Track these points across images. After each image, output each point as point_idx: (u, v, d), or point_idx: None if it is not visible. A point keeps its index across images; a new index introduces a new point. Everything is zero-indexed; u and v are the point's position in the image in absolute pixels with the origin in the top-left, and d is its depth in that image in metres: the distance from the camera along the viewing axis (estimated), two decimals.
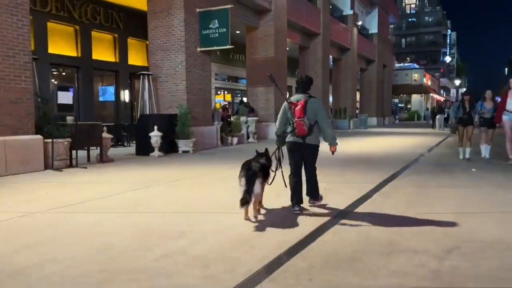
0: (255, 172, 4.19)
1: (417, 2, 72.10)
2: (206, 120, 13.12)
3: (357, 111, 32.19)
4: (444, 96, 65.63)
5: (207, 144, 12.80)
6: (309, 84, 4.84)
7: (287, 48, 18.52)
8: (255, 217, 4.31)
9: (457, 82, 63.62)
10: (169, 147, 11.24)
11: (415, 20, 71.41)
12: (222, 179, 6.99)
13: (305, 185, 4.85)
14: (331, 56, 25.79)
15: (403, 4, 69.20)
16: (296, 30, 20.44)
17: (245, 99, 19.53)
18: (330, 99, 27.05)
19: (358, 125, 27.50)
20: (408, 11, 71.40)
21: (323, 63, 22.52)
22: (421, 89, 47.08)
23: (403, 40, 73.37)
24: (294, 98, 4.73)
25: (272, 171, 4.60)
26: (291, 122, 4.64)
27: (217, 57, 20.38)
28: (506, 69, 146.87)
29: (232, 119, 15.93)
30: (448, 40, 73.42)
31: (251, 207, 4.26)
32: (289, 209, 4.69)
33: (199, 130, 12.21)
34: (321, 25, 22.18)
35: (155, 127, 10.53)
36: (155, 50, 12.42)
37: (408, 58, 58.41)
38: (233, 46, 12.72)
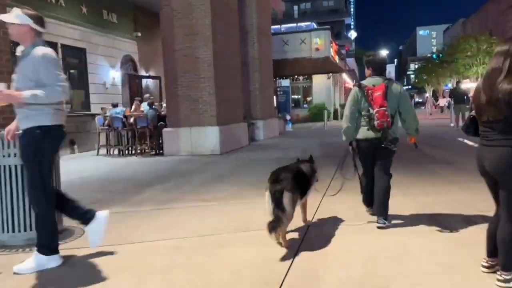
0: (283, 185, 3.28)
1: None
2: None
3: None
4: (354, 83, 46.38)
5: None
6: (385, 64, 4.05)
7: None
8: (282, 243, 3.35)
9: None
10: None
11: None
12: None
13: None
14: None
15: None
16: None
17: None
18: None
19: None
20: None
21: None
22: (329, 66, 25.46)
23: (296, 8, 53.62)
24: (369, 82, 3.89)
25: (317, 180, 3.92)
26: (366, 113, 3.76)
27: None
28: (396, 60, 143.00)
29: None
30: (351, 9, 55.55)
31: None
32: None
33: None
34: None
35: None
36: None
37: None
38: None
